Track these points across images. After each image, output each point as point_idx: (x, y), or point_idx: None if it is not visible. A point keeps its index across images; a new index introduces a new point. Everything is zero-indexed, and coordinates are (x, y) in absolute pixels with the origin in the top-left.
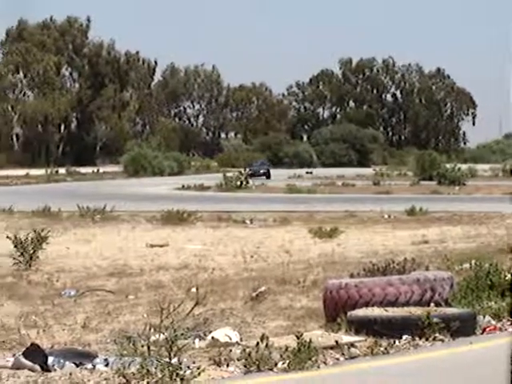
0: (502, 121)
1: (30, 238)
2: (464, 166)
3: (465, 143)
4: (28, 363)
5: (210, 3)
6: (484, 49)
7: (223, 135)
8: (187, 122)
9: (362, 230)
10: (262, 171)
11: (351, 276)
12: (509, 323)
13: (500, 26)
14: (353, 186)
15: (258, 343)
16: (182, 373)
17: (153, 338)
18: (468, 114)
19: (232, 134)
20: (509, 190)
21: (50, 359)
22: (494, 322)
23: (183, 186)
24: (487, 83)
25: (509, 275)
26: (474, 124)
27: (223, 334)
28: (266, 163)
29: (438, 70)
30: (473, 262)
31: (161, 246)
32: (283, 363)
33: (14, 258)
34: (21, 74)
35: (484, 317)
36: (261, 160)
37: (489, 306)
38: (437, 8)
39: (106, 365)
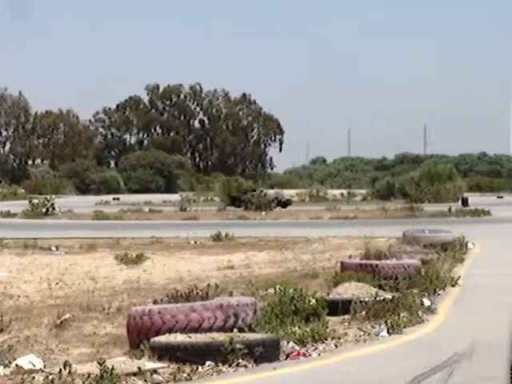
0: (308, 146)
1: None
2: (271, 192)
3: (272, 168)
4: None
5: (14, 27)
6: (291, 75)
7: (30, 162)
8: None
9: (168, 256)
10: None
11: (155, 302)
12: (313, 348)
13: (305, 51)
14: (160, 212)
15: (60, 370)
16: None
17: None
18: (275, 140)
19: (39, 161)
20: (315, 215)
21: None
22: (297, 348)
23: None
24: (294, 109)
25: (313, 300)
26: (280, 150)
27: (27, 361)
28: None
29: (244, 95)
30: (278, 287)
31: None
32: None
33: None
34: None
35: (288, 342)
36: None
37: (293, 331)
38: (241, 33)
39: None
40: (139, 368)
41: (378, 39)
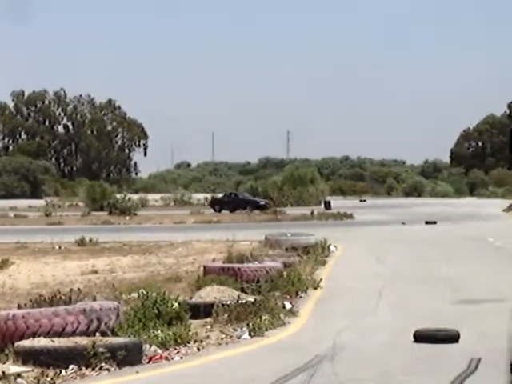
0: (173, 151)
1: None
2: (135, 196)
3: (136, 173)
4: None
5: None
6: (155, 79)
7: None
8: None
9: (34, 261)
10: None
11: (19, 307)
12: (175, 352)
13: (167, 53)
14: (25, 217)
15: None
16: None
17: None
18: (140, 145)
19: None
20: (179, 219)
21: None
22: (160, 351)
23: None
24: (159, 114)
25: (176, 304)
26: (145, 155)
27: None
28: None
29: (110, 100)
30: (141, 291)
31: None
32: None
33: None
34: None
35: (150, 346)
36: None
37: (155, 334)
38: (104, 37)
39: None
40: (3, 372)
41: (217, 43)
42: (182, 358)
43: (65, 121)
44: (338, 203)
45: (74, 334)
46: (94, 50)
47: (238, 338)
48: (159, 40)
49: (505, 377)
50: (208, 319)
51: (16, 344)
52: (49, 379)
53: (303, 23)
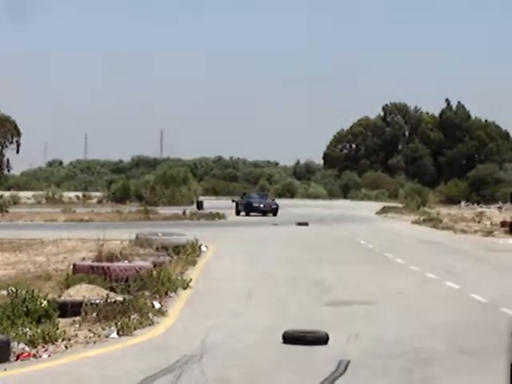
0: (47, 148)
1: None
2: (7, 193)
3: (9, 170)
4: None
5: None
6: (30, 73)
7: None
8: None
9: None
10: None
11: None
12: (43, 350)
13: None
14: None
15: None
16: None
17: None
18: (12, 142)
19: None
20: (50, 217)
21: None
22: (28, 349)
23: None
24: (32, 111)
25: (45, 302)
26: (18, 152)
27: None
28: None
29: None
30: (10, 288)
31: None
32: None
33: None
34: None
35: (19, 343)
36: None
37: (24, 332)
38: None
39: None
40: None
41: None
42: (49, 356)
43: None
44: (210, 203)
45: None
46: None
47: (107, 337)
48: (34, 36)
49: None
50: (77, 318)
51: None
52: None
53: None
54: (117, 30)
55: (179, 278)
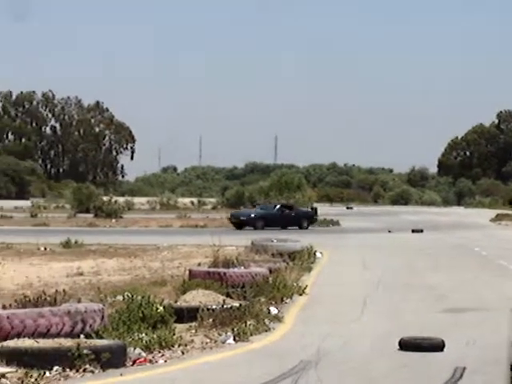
0: (161, 154)
1: None
2: (121, 199)
3: (123, 176)
4: None
5: None
6: (142, 83)
7: None
8: None
9: (19, 262)
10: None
11: (3, 308)
12: (159, 355)
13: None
14: (10, 218)
15: None
16: None
17: None
18: (127, 148)
19: None
20: (165, 223)
21: None
22: (144, 354)
23: None
24: (147, 117)
25: (161, 308)
26: (132, 158)
27: None
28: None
29: (97, 103)
30: (126, 294)
31: None
32: None
33: None
34: None
35: (135, 348)
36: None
37: (140, 337)
38: (95, 43)
39: None
40: None
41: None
42: (166, 361)
43: (52, 122)
44: (324, 210)
45: (58, 335)
46: (83, 52)
47: (223, 343)
48: (149, 43)
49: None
50: (193, 323)
51: (0, 344)
52: (33, 380)
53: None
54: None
55: (295, 284)
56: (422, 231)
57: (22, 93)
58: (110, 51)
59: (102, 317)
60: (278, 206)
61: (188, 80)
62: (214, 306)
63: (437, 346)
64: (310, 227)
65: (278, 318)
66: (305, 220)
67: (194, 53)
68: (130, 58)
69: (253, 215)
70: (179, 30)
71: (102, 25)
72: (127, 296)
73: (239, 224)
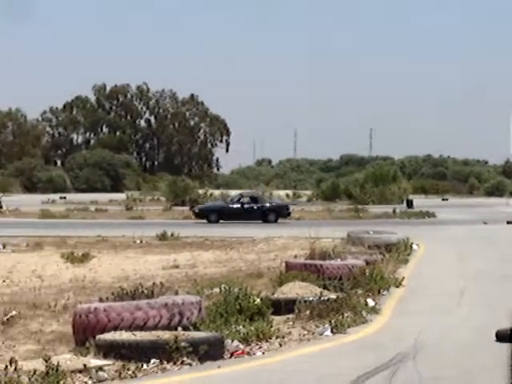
0: (255, 147)
1: None
2: (217, 192)
3: (218, 169)
4: None
5: None
6: (238, 76)
7: None
8: None
9: (114, 254)
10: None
11: (100, 300)
12: (257, 347)
13: (249, 51)
14: (106, 211)
15: (6, 367)
16: None
17: None
18: (222, 141)
19: None
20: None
21: None
22: (242, 346)
23: None
24: (242, 110)
25: (258, 300)
26: (227, 151)
27: None
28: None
29: (192, 96)
30: (222, 286)
31: None
32: None
33: None
34: None
35: (232, 341)
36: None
37: (237, 330)
38: (188, 33)
39: None
40: (85, 365)
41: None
42: (263, 353)
43: (147, 115)
44: (419, 202)
45: (155, 327)
46: (177, 45)
47: (320, 335)
48: (243, 36)
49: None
50: (290, 315)
51: (97, 337)
52: (130, 373)
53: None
54: (322, 33)
55: (391, 276)
56: None
57: (116, 86)
58: (204, 43)
59: (200, 309)
60: (239, 199)
61: (283, 72)
62: (311, 298)
63: None
64: (406, 219)
65: (375, 310)
66: (272, 213)
67: (292, 49)
68: (226, 50)
69: (205, 207)
70: (273, 26)
71: (195, 18)
72: (224, 288)
73: (197, 216)
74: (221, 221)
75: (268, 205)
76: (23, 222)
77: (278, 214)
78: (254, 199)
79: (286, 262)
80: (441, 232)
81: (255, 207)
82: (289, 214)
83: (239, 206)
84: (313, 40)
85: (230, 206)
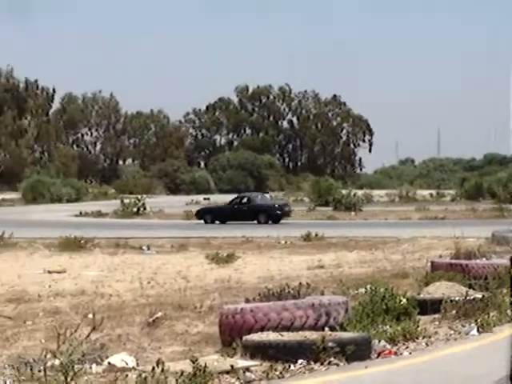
0: (398, 146)
1: None
2: (360, 192)
3: (361, 169)
4: None
5: (104, 30)
6: (380, 73)
7: (121, 162)
8: (85, 149)
9: (259, 255)
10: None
11: (247, 301)
12: (404, 347)
13: (394, 51)
14: None
15: (153, 368)
16: None
17: (50, 363)
18: (364, 141)
19: (130, 161)
20: (404, 216)
21: None
22: (389, 347)
23: (81, 213)
24: (384, 109)
25: (404, 300)
26: (370, 151)
27: (120, 359)
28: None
29: (335, 96)
30: (368, 286)
31: (58, 273)
32: None
33: None
34: None
35: (379, 341)
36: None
37: (384, 330)
38: (331, 34)
39: None
40: (232, 366)
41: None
42: (410, 353)
43: (289, 116)
44: None
45: (302, 328)
46: (319, 46)
47: (466, 334)
48: (387, 36)
49: None
50: (436, 315)
51: (244, 338)
52: (277, 373)
53: None
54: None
55: None
56: None
57: (258, 87)
58: (345, 45)
59: (346, 309)
60: (232, 200)
61: (426, 69)
62: (456, 298)
63: None
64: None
65: None
66: (262, 214)
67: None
68: (365, 50)
69: (202, 209)
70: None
71: (352, 15)
72: (370, 288)
73: (196, 216)
74: (216, 222)
75: (258, 206)
76: (167, 224)
77: (268, 214)
78: (248, 200)
79: (432, 261)
80: None
81: (245, 208)
82: (282, 215)
83: (231, 207)
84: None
85: (223, 207)
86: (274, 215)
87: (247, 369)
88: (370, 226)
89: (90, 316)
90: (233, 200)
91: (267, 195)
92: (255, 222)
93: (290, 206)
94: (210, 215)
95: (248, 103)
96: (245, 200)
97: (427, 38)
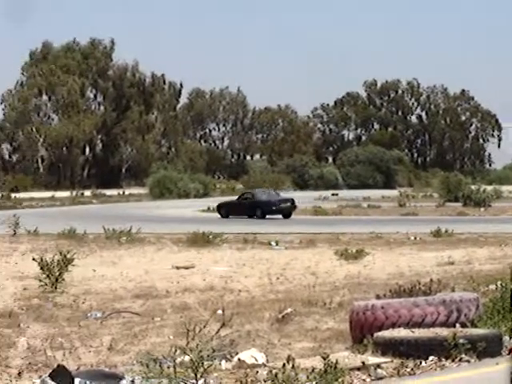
0: None
1: (55, 261)
2: (489, 188)
3: (490, 165)
4: None
5: (234, 27)
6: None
7: (248, 157)
8: (212, 144)
9: (388, 251)
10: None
11: (377, 297)
12: None
13: None
14: (378, 207)
15: (284, 364)
16: None
17: (179, 360)
18: (493, 136)
19: (257, 156)
20: None
21: (77, 381)
22: None
23: (209, 208)
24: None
25: None
26: (499, 146)
27: (249, 355)
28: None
29: (463, 91)
30: (499, 283)
31: (187, 268)
32: None
33: (40, 280)
34: (45, 97)
35: (510, 337)
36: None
37: None
38: (462, 30)
39: None
40: (363, 362)
41: None
42: None
43: (418, 111)
44: None
45: (432, 325)
46: (452, 40)
47: None
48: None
49: None
50: None
51: (375, 335)
52: (408, 370)
53: None
54: None
55: None
56: None
57: (386, 82)
58: (474, 40)
59: (477, 306)
60: (239, 196)
61: None
62: None
63: None
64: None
65: None
66: (258, 209)
67: None
68: (495, 46)
69: (218, 204)
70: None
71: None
72: (500, 285)
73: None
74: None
75: (256, 201)
76: (295, 219)
77: (264, 209)
78: (252, 196)
79: None
80: None
81: (246, 203)
82: (276, 210)
83: (238, 202)
84: None
85: (233, 202)
86: (267, 211)
87: (378, 365)
88: (500, 222)
89: (219, 312)
90: (240, 196)
91: (273, 192)
92: (255, 216)
93: (295, 202)
94: (224, 209)
95: (376, 98)
96: (249, 196)
97: None
